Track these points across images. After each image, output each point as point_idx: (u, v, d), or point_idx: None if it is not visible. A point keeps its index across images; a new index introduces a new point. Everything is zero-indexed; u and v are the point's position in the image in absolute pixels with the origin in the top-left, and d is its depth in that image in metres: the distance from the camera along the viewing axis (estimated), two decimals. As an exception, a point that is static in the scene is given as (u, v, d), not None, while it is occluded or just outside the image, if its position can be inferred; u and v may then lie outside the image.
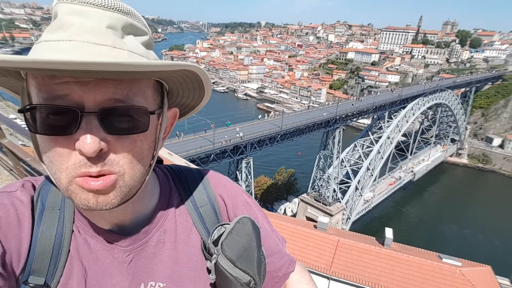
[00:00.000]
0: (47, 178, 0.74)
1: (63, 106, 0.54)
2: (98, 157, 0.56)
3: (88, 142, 0.53)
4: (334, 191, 42.22)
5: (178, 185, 0.85)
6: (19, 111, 0.58)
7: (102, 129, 0.55)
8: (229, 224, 0.79)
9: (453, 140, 72.08)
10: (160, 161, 0.87)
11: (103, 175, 0.57)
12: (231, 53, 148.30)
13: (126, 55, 0.56)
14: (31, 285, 0.64)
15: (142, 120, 0.60)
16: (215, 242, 0.77)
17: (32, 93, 0.57)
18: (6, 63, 0.45)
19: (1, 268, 0.59)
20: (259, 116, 38.83)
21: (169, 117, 0.74)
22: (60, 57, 0.47)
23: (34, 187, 0.72)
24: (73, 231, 0.70)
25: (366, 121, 61.64)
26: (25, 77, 0.60)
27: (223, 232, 0.77)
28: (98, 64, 0.46)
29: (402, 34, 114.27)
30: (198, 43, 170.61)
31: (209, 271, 0.79)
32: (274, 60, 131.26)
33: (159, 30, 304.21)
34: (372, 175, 44.47)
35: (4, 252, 0.61)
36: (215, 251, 0.76)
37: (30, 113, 0.56)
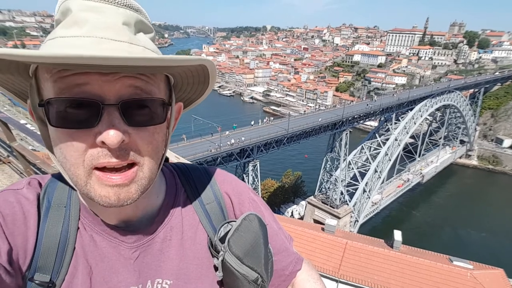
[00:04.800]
0: (54, 176, 0.74)
1: (84, 99, 0.54)
2: (119, 149, 0.56)
3: (112, 133, 0.54)
4: (342, 193, 41.96)
5: (184, 182, 0.85)
6: (39, 105, 0.58)
7: (123, 122, 0.56)
8: (235, 221, 0.79)
9: (462, 142, 71.13)
10: (166, 159, 0.85)
11: (123, 168, 0.58)
12: (237, 57, 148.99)
13: (141, 51, 0.57)
14: (36, 282, 0.64)
15: (159, 111, 0.62)
16: (222, 239, 0.77)
17: (46, 88, 0.57)
18: (32, 58, 0.45)
19: (8, 265, 0.59)
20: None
21: (175, 111, 0.75)
22: (92, 52, 0.46)
23: (40, 184, 0.72)
24: (78, 228, 0.70)
25: (373, 123, 61.25)
26: (32, 75, 0.61)
27: (230, 229, 0.77)
28: (135, 59, 0.48)
29: (409, 36, 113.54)
30: (204, 47, 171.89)
31: (216, 269, 0.79)
32: (280, 64, 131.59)
33: (166, 35, 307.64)
34: (380, 177, 44.07)
35: (11, 249, 0.61)
36: (222, 248, 0.76)
37: (48, 108, 0.56)
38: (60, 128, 0.56)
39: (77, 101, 0.54)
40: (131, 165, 0.59)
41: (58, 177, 0.73)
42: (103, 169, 0.57)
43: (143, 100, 0.59)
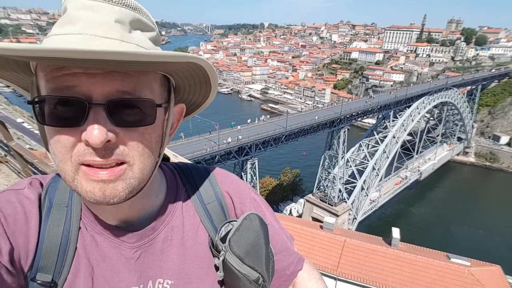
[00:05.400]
0: (55, 176, 0.75)
1: (71, 98, 0.54)
2: (105, 148, 0.56)
3: (95, 133, 0.53)
4: (340, 191, 42.03)
5: (185, 182, 0.85)
6: (29, 102, 0.59)
7: (109, 121, 0.56)
8: (236, 221, 0.79)
9: (459, 139, 71.38)
10: (166, 159, 0.87)
11: (110, 166, 0.57)
12: (235, 54, 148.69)
13: (133, 49, 0.56)
14: (38, 281, 0.64)
15: (149, 112, 0.60)
16: (223, 239, 0.76)
17: (41, 86, 0.58)
18: (16, 52, 0.45)
19: (10, 265, 0.60)
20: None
21: (175, 113, 0.74)
22: (70, 46, 0.46)
23: (42, 184, 0.73)
24: (80, 228, 0.70)
25: (371, 121, 61.34)
26: (34, 72, 0.61)
27: (231, 229, 0.77)
28: (107, 53, 0.47)
29: (406, 33, 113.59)
30: (202, 45, 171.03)
31: (217, 268, 0.78)
32: (277, 61, 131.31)
33: (163, 33, 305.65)
34: (378, 175, 44.19)
35: (12, 249, 0.61)
36: (223, 248, 0.75)
37: (38, 105, 0.57)
38: (49, 126, 0.57)
39: (65, 99, 0.54)
40: (120, 164, 0.59)
41: (59, 177, 0.73)
42: (90, 165, 0.57)
43: (131, 100, 0.58)
